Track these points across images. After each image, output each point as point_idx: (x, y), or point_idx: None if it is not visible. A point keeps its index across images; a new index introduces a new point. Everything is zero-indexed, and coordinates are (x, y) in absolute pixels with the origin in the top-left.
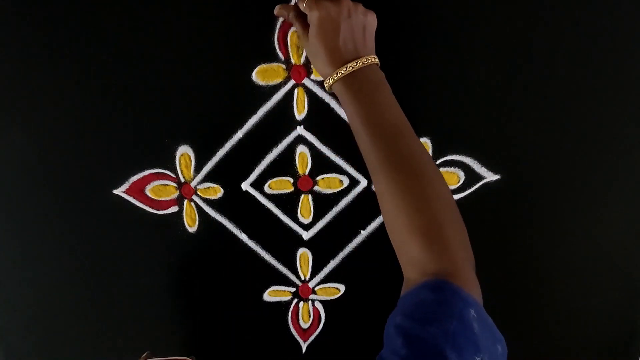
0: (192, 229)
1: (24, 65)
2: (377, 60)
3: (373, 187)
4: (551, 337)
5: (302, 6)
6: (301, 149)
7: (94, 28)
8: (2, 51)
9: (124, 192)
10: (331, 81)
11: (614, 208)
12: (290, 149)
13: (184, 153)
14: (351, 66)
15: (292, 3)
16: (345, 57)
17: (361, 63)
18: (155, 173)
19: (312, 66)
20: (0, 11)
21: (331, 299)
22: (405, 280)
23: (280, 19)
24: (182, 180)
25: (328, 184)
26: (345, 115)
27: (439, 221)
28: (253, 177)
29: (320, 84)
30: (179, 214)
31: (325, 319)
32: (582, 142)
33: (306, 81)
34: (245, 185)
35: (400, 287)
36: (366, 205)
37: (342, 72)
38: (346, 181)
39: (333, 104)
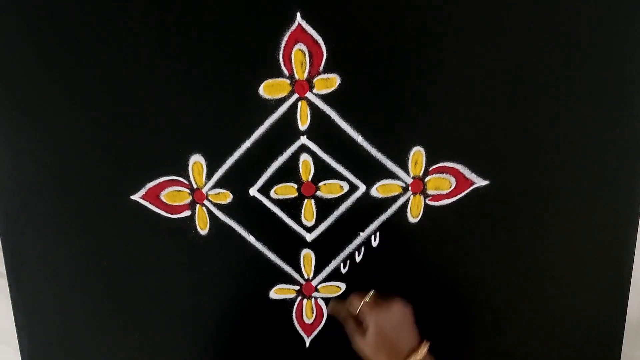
0: (203, 231)
1: (44, 72)
2: (426, 347)
3: (371, 192)
4: (542, 338)
5: (355, 312)
6: (304, 157)
7: (118, 38)
8: (20, 57)
9: (140, 197)
10: None
11: (601, 213)
12: (294, 157)
13: (196, 161)
14: None
15: (347, 306)
16: (403, 354)
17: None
18: (170, 180)
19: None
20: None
21: (333, 297)
22: None
23: (285, 37)
24: (195, 186)
25: (329, 189)
26: (344, 126)
27: None
28: (260, 183)
29: (322, 97)
30: (191, 218)
31: (328, 315)
32: (570, 147)
33: (309, 95)
34: (253, 191)
35: (396, 286)
36: (365, 209)
37: None
38: (346, 187)
39: (334, 115)
